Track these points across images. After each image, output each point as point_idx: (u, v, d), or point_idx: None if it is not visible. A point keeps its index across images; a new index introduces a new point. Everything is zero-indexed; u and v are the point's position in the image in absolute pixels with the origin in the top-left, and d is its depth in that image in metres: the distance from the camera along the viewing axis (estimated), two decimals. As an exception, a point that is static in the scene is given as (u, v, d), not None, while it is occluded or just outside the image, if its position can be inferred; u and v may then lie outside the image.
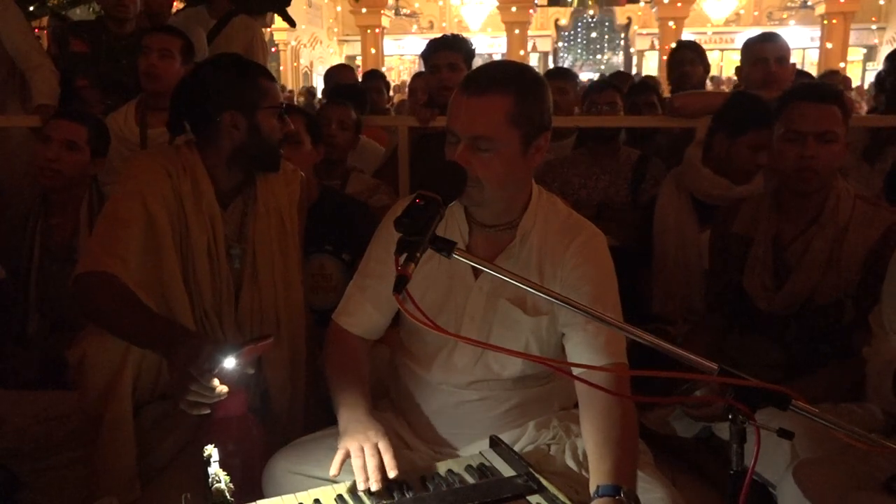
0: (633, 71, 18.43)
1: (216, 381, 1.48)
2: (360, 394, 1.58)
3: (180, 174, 1.91)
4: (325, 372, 1.69)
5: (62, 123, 2.51)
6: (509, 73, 1.50)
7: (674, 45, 4.49)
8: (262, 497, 1.42)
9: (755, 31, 3.82)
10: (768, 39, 3.15)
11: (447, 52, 3.15)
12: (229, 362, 1.48)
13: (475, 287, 1.60)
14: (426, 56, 3.25)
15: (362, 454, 1.40)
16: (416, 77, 5.44)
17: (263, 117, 1.93)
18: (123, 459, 1.80)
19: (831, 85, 2.41)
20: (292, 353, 2.02)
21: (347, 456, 1.42)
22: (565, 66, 15.81)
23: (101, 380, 1.76)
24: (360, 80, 5.81)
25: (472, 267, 1.48)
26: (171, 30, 3.11)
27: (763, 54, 3.06)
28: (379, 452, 1.41)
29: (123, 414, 1.79)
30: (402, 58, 23.29)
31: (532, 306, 1.58)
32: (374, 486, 1.36)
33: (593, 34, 20.77)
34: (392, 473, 1.39)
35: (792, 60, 3.30)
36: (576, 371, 1.40)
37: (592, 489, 1.35)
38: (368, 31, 18.75)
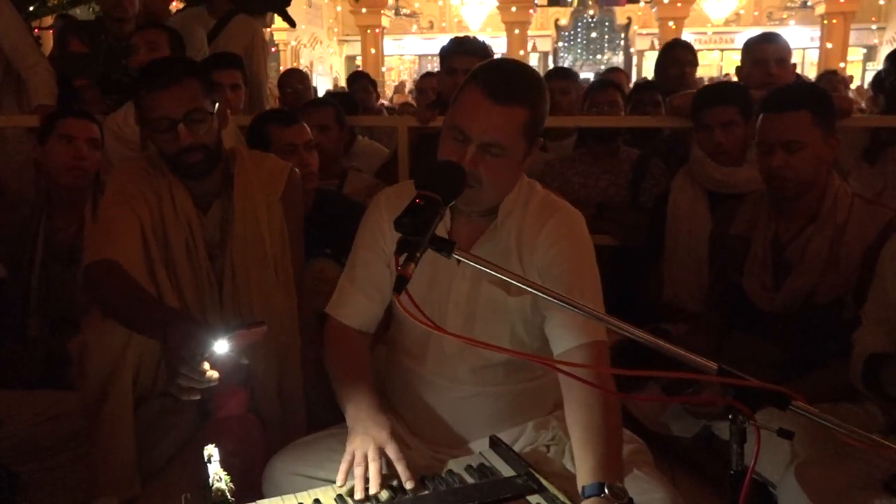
0: (633, 71, 18.43)
1: (206, 366, 1.46)
2: (364, 390, 1.57)
3: (159, 178, 1.97)
4: (328, 371, 1.68)
5: (82, 123, 2.56)
6: (527, 83, 1.51)
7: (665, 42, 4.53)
8: (262, 497, 1.42)
9: (755, 31, 3.83)
10: (769, 40, 3.15)
11: (467, 56, 3.11)
12: (220, 346, 1.46)
13: (458, 273, 1.60)
14: (445, 54, 3.21)
15: (364, 461, 1.41)
16: (426, 77, 5.42)
17: (149, 132, 1.92)
18: (123, 452, 1.79)
19: (804, 88, 2.41)
20: (281, 355, 2.00)
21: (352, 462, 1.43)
22: (565, 66, 15.80)
23: (102, 368, 1.76)
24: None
25: None
26: (156, 25, 3.13)
27: (763, 55, 3.07)
28: (380, 457, 1.41)
29: (124, 404, 1.78)
30: (402, 58, 23.27)
31: (516, 287, 1.57)
32: (373, 491, 1.37)
33: (593, 34, 20.73)
34: (408, 485, 1.39)
35: (792, 61, 3.31)
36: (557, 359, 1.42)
37: (579, 489, 1.34)
38: (368, 31, 18.74)
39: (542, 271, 1.56)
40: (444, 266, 1.59)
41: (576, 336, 1.50)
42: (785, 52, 3.12)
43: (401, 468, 1.40)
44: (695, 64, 3.97)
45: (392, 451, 1.43)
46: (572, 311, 1.44)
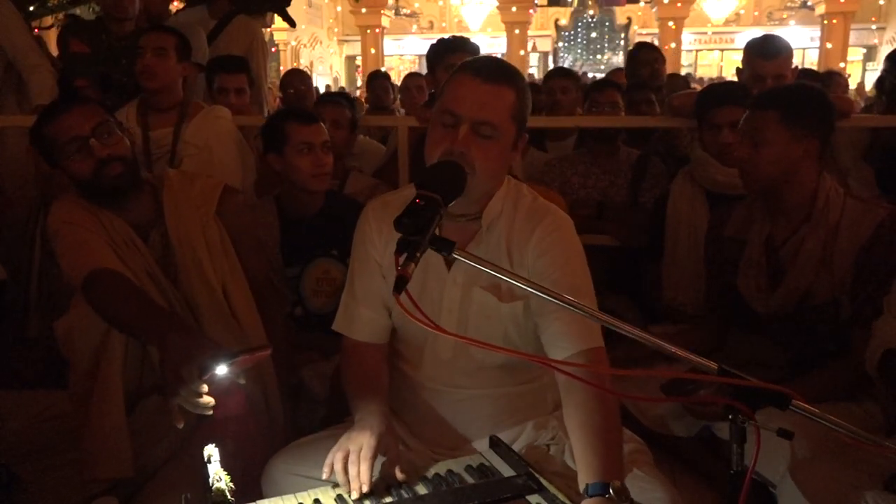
0: (634, 71, 18.46)
1: (205, 388, 1.42)
2: (374, 398, 1.57)
3: (97, 209, 1.93)
4: (344, 390, 1.67)
5: None
6: (512, 69, 1.55)
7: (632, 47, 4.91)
8: (262, 497, 1.42)
9: (755, 32, 3.85)
10: (768, 56, 2.99)
11: (465, 53, 3.14)
12: (221, 370, 1.45)
13: (449, 279, 1.59)
14: (439, 56, 3.18)
15: (345, 462, 1.41)
16: (412, 76, 5.46)
17: (63, 166, 1.89)
18: (114, 428, 1.76)
19: (782, 89, 2.37)
20: (258, 374, 1.96)
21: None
22: (565, 66, 15.80)
23: (89, 344, 1.75)
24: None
25: (445, 259, 1.51)
26: (165, 28, 3.12)
27: (761, 72, 2.97)
28: (372, 456, 1.41)
29: (113, 378, 1.76)
30: (402, 58, 23.28)
31: (507, 292, 1.57)
32: (354, 495, 1.37)
33: (593, 34, 20.73)
34: (400, 477, 1.40)
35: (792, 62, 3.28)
36: (554, 363, 1.42)
37: (581, 488, 1.34)
38: (368, 31, 18.76)
39: (533, 277, 1.54)
40: (435, 273, 1.60)
41: (574, 343, 1.49)
42: (784, 68, 3.00)
43: (364, 467, 1.40)
44: (662, 60, 4.29)
45: (365, 452, 1.42)
46: (568, 318, 1.47)
